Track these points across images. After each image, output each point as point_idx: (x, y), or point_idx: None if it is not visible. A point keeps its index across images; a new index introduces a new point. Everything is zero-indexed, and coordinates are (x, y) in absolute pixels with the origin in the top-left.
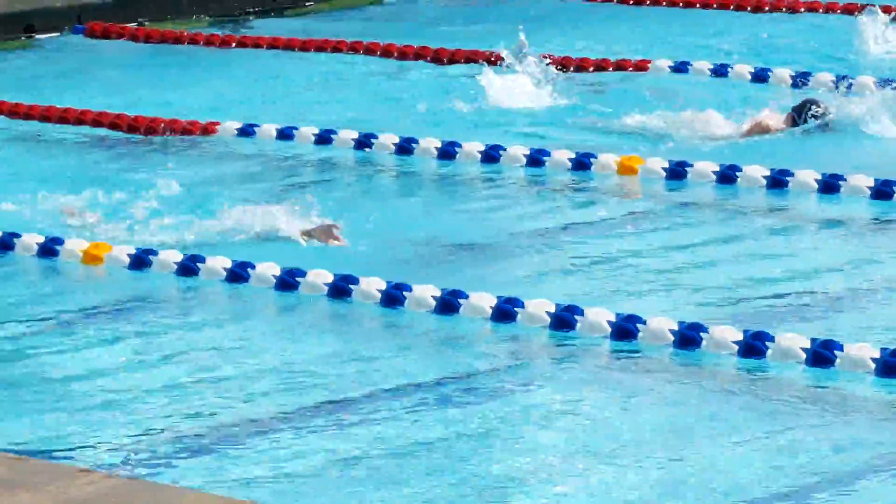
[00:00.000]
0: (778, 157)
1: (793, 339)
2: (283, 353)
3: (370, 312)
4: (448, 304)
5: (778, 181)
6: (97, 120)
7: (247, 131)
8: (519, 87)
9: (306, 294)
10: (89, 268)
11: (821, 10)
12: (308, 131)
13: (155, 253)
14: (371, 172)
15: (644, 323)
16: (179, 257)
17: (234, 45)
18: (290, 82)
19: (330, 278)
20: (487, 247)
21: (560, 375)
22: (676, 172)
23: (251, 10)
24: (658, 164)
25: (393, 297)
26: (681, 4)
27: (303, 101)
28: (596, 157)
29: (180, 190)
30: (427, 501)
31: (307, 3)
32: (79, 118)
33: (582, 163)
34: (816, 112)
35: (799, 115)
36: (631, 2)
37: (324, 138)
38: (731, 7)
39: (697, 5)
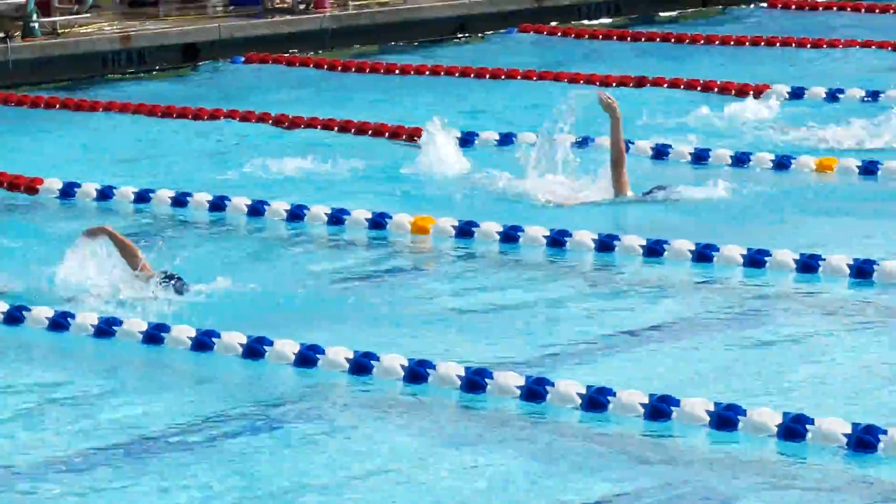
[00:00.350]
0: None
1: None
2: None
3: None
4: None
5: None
6: None
7: (67, 192)
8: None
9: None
10: None
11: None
12: (128, 190)
13: None
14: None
15: (434, 367)
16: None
17: (72, 107)
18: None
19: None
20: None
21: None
22: (465, 231)
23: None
24: (448, 222)
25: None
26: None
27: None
28: (391, 218)
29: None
30: None
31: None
32: None
33: (378, 223)
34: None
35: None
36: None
37: (142, 197)
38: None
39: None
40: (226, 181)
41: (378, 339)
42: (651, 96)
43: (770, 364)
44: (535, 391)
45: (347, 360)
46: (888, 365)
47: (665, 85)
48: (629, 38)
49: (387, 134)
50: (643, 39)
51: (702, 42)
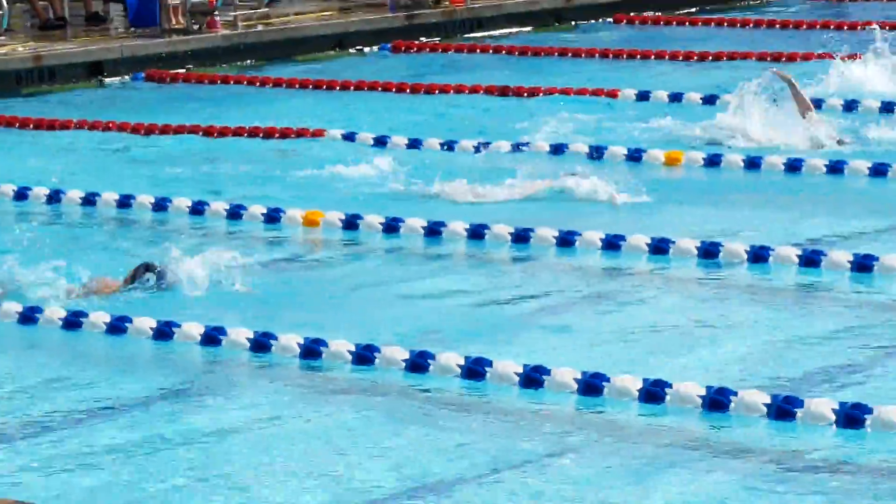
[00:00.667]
0: None
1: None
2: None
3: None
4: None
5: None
6: None
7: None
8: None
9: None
10: None
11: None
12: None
13: None
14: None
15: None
16: None
17: None
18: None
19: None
20: None
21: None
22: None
23: None
24: (336, 216)
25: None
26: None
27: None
28: (284, 212)
29: None
30: None
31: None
32: None
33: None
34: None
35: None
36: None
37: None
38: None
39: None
40: (136, 183)
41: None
42: (513, 104)
43: (630, 336)
44: (418, 364)
45: (248, 339)
46: (735, 334)
47: (525, 94)
48: (491, 51)
49: (276, 135)
50: (504, 52)
51: (556, 54)
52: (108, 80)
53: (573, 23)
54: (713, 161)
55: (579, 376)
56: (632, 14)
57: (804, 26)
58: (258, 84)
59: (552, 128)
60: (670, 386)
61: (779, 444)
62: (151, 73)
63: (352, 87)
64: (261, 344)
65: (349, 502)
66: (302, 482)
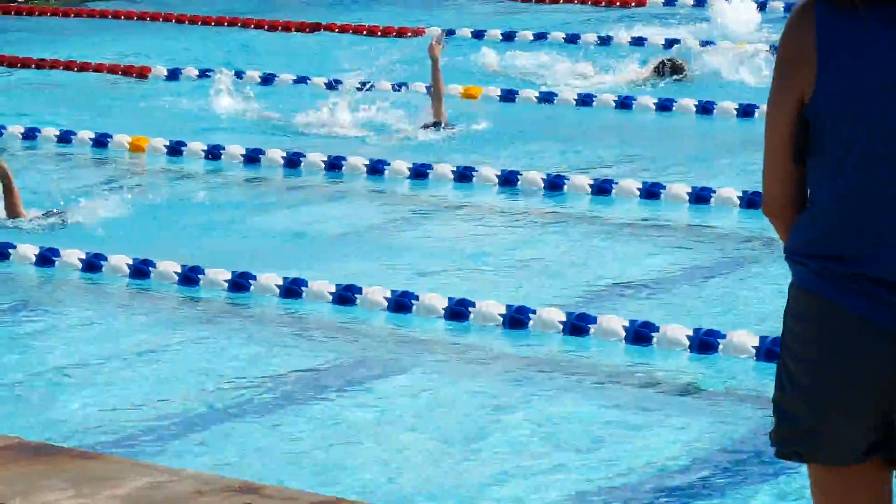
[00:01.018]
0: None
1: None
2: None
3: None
4: None
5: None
6: None
7: None
8: None
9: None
10: None
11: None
12: None
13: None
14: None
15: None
16: None
17: None
18: None
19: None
20: None
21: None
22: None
23: None
24: (160, 142)
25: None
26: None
27: None
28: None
29: None
30: None
31: None
32: None
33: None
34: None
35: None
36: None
37: None
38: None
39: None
40: None
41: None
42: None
43: (434, 257)
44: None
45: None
46: (531, 256)
47: (336, 29)
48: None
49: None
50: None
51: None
52: None
53: None
54: (509, 97)
55: (389, 295)
56: None
57: None
58: (84, 16)
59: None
60: (473, 305)
61: (571, 356)
62: None
63: (173, 20)
64: (92, 265)
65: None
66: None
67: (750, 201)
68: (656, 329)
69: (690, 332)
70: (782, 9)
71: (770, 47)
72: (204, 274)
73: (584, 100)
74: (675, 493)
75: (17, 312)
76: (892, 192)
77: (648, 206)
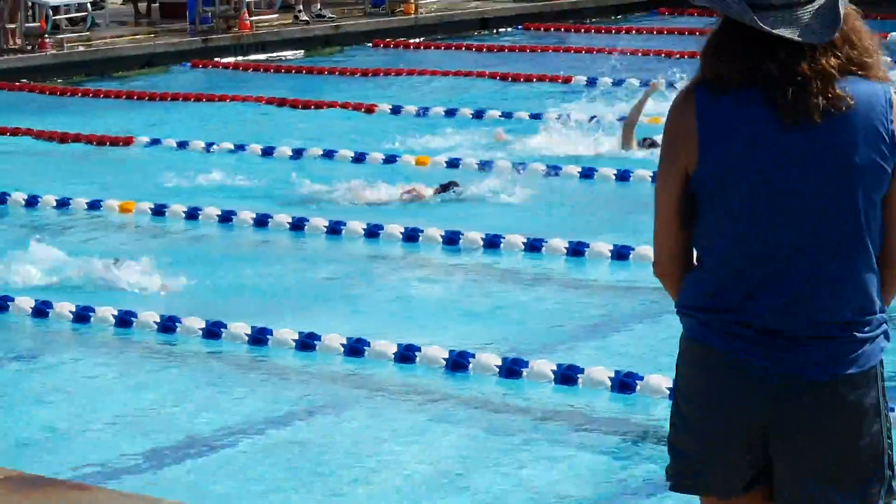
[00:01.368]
0: None
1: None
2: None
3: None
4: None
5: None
6: None
7: None
8: None
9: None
10: None
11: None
12: None
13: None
14: None
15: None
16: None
17: None
18: None
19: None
20: None
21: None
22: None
23: None
24: (146, 206)
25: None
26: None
27: None
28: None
29: None
30: None
31: None
32: None
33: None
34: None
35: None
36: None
37: None
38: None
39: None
40: None
41: None
42: (290, 113)
43: (387, 308)
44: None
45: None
46: (474, 307)
47: (299, 106)
48: (272, 69)
49: (94, 142)
50: (283, 71)
51: (326, 72)
52: None
53: (339, 47)
54: (453, 163)
55: (345, 341)
56: (388, 39)
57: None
58: (80, 95)
59: (320, 135)
60: (419, 349)
61: (508, 399)
62: None
63: (157, 98)
64: (82, 316)
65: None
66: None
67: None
68: (581, 371)
69: (612, 374)
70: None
71: None
72: (181, 323)
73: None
74: None
75: (16, 360)
76: (764, 251)
77: (575, 263)
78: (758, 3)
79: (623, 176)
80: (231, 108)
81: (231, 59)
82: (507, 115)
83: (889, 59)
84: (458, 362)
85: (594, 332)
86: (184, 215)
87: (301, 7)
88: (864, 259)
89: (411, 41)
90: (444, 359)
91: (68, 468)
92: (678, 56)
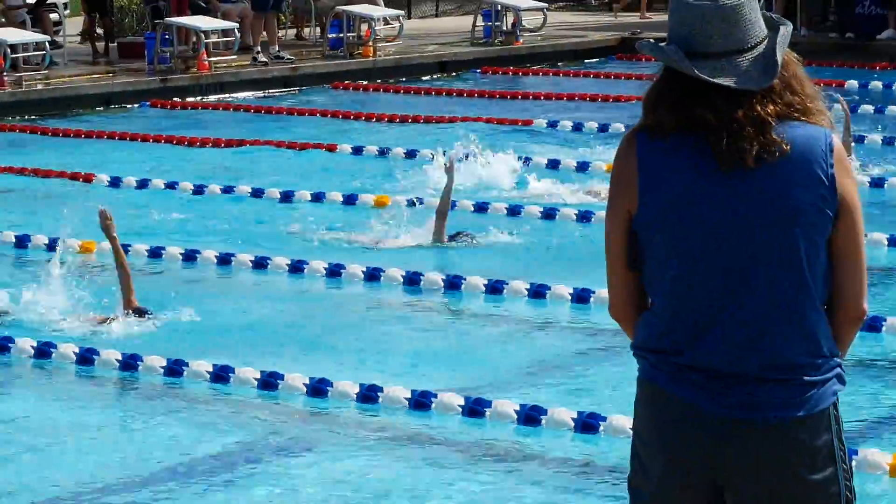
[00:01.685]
0: None
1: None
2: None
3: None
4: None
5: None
6: None
7: None
8: None
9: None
10: None
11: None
12: None
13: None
14: None
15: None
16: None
17: None
18: None
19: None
20: None
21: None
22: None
23: None
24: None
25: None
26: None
27: None
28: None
29: None
30: None
31: None
32: None
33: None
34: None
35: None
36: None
37: None
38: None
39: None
40: None
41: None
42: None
43: (352, 351)
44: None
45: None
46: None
47: (260, 144)
48: (231, 109)
49: (53, 177)
50: (241, 110)
51: (283, 113)
52: None
53: (297, 89)
54: (418, 202)
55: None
56: (346, 82)
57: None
58: (39, 133)
59: (279, 176)
60: (381, 390)
61: (469, 437)
62: None
63: (116, 138)
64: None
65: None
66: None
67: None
68: (545, 412)
69: (575, 415)
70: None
71: None
72: (143, 361)
73: (481, 206)
74: None
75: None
76: (707, 295)
77: (537, 305)
78: (697, 51)
79: (584, 216)
80: (189, 149)
81: (190, 99)
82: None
83: (838, 105)
84: (420, 402)
85: (556, 372)
86: (146, 254)
87: (259, 48)
88: (808, 302)
89: (370, 84)
90: (406, 398)
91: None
92: (636, 101)
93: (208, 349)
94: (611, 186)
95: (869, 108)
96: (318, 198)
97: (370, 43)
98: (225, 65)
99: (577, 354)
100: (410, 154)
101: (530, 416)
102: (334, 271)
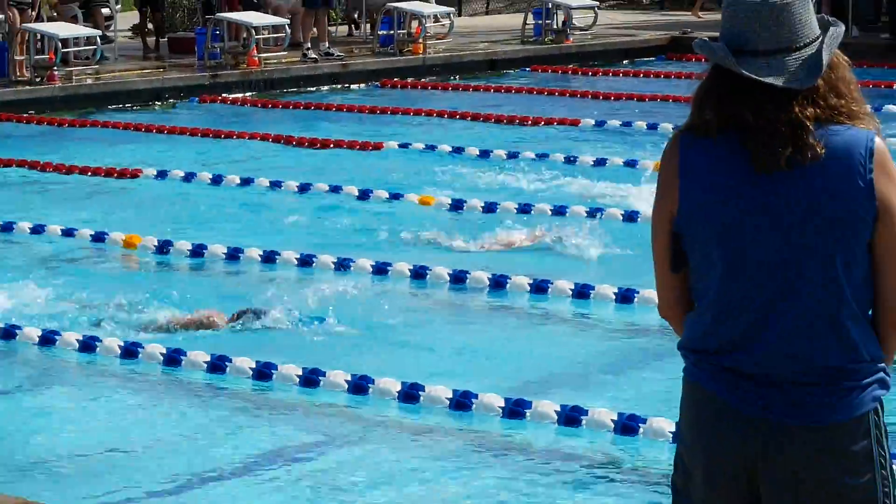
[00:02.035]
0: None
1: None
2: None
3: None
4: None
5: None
6: None
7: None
8: None
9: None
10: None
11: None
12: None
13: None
14: None
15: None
16: None
17: None
18: None
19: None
20: None
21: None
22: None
23: None
24: (151, 241)
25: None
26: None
27: None
28: (108, 234)
29: None
30: None
31: None
32: None
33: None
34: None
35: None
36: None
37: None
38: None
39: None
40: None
41: None
42: (297, 151)
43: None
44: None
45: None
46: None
47: (305, 144)
48: (280, 107)
49: (102, 174)
50: (291, 107)
51: (323, 108)
52: None
53: (349, 85)
54: (458, 205)
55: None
56: (395, 79)
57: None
58: (89, 126)
59: (326, 172)
60: (423, 389)
61: (512, 439)
62: (0, 116)
63: (165, 132)
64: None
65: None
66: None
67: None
68: (586, 413)
69: (615, 416)
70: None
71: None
72: (186, 355)
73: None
74: None
75: (21, 389)
76: (750, 295)
77: (580, 304)
78: (746, 49)
79: (630, 217)
80: (239, 143)
81: (239, 95)
82: (513, 156)
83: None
84: (461, 402)
85: (599, 374)
86: (189, 252)
87: (309, 45)
88: (844, 307)
89: (419, 81)
90: (448, 398)
91: (73, 498)
92: (685, 101)
93: (249, 347)
94: (657, 186)
95: None
96: (364, 195)
97: (420, 40)
98: (275, 61)
99: (619, 355)
100: (457, 150)
101: (571, 418)
102: (381, 269)
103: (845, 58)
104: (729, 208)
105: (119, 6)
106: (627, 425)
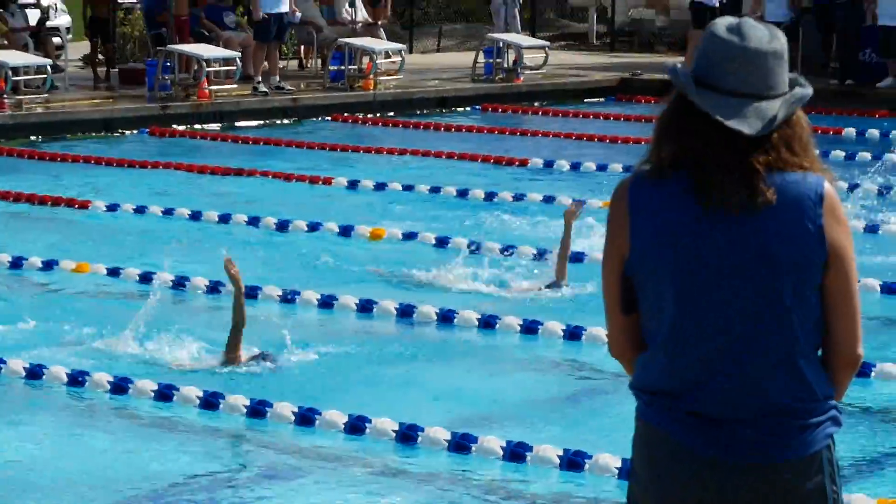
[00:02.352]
0: None
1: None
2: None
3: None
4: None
5: None
6: None
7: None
8: None
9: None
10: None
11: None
12: None
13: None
14: None
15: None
16: None
17: None
18: None
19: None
20: None
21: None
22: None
23: None
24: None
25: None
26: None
27: None
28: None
29: None
30: None
31: None
32: None
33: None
34: None
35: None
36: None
37: None
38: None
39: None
40: None
41: None
42: (247, 182)
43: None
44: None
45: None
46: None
47: (258, 174)
48: (230, 140)
49: (49, 203)
50: (240, 141)
51: (283, 144)
52: None
53: (300, 119)
54: (411, 236)
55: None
56: (345, 114)
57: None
58: (36, 158)
59: (275, 206)
60: (370, 421)
61: (456, 471)
62: None
63: (114, 164)
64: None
65: None
66: None
67: None
68: (531, 448)
69: (561, 452)
70: None
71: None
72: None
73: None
74: None
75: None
76: (703, 336)
77: (529, 340)
78: (710, 83)
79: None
80: (186, 175)
81: (187, 128)
82: (462, 194)
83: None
84: (407, 435)
85: (545, 410)
86: (137, 278)
87: (260, 78)
88: (797, 347)
89: (369, 117)
90: (394, 431)
91: None
92: (633, 142)
93: (195, 378)
94: (606, 227)
95: (866, 156)
96: (313, 228)
97: (371, 76)
98: (225, 93)
99: (566, 392)
100: (407, 188)
101: (515, 453)
102: (326, 302)
103: (806, 119)
104: (680, 248)
105: (70, 36)
106: (573, 461)
